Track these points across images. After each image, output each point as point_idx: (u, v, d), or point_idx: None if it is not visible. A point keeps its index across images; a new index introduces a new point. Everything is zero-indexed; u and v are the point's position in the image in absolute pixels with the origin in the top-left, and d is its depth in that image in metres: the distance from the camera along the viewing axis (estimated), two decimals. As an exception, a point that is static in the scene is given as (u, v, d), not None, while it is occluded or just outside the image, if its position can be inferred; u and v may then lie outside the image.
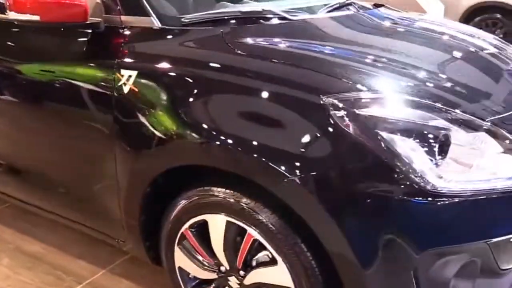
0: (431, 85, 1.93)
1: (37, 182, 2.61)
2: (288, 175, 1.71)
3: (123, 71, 2.09)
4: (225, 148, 1.82)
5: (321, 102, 1.72)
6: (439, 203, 1.65)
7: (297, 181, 1.70)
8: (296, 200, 1.74)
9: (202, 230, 2.11)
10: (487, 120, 1.82)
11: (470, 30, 2.92)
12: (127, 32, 2.18)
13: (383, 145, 1.66)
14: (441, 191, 1.65)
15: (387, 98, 1.78)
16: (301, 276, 1.86)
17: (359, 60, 2.02)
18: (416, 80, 1.94)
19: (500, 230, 1.75)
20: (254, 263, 2.01)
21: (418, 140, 1.68)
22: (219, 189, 1.96)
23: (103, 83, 2.14)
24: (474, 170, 1.72)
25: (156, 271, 2.75)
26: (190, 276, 2.25)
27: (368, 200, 1.65)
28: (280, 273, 1.90)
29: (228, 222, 1.97)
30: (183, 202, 2.08)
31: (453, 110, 1.79)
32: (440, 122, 1.73)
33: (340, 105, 1.71)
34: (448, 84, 1.97)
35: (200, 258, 2.14)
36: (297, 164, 1.71)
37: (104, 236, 2.54)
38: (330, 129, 1.70)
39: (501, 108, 1.97)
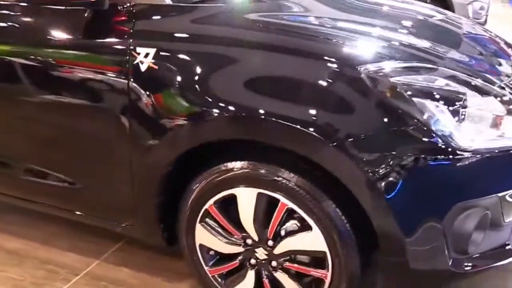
0: (447, 56, 2.11)
1: (36, 172, 2.48)
2: (328, 141, 1.79)
3: (139, 49, 2.06)
4: (263, 120, 1.87)
5: (358, 72, 1.83)
6: (465, 161, 1.82)
7: (337, 146, 1.79)
8: (337, 165, 1.83)
9: (226, 205, 2.14)
10: (495, 85, 2.02)
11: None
12: (135, 10, 2.14)
13: (416, 109, 1.79)
14: (467, 150, 1.82)
15: (416, 67, 1.92)
16: (336, 240, 1.95)
17: (383, 34, 2.18)
18: (434, 52, 2.12)
19: (509, 185, 1.96)
20: (284, 232, 2.08)
21: (444, 104, 1.84)
22: (249, 163, 2.00)
23: (114, 63, 2.09)
24: (489, 131, 1.91)
25: (152, 257, 2.75)
26: (211, 253, 2.26)
27: (405, 162, 1.78)
28: (314, 239, 1.98)
29: (259, 194, 2.02)
30: (208, 179, 2.10)
31: (470, 77, 1.97)
32: (461, 88, 1.90)
33: (376, 74, 1.83)
34: (456, 55, 2.17)
35: (224, 233, 2.17)
36: (337, 129, 1.80)
37: (107, 223, 2.48)
38: (368, 97, 1.82)
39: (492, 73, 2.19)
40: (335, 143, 1.79)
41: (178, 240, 2.34)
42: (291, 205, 1.97)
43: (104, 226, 2.54)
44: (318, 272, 2.05)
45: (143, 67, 2.05)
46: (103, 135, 2.20)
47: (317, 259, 2.08)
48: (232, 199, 2.09)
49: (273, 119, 1.84)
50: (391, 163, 1.79)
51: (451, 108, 1.85)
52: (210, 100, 1.95)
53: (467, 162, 1.82)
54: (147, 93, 2.06)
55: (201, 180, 2.12)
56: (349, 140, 1.79)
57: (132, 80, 2.06)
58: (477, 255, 1.97)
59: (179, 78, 2.02)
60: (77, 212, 2.50)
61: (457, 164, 1.82)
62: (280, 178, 1.95)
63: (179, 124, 2.01)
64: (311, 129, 1.80)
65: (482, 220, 1.93)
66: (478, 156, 1.85)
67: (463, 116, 1.87)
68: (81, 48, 2.17)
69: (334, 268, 2.01)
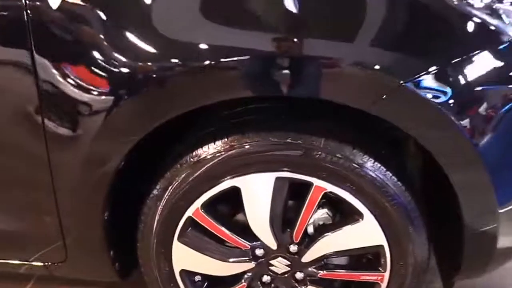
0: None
1: None
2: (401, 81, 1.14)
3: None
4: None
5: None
6: None
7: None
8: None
9: (218, 208, 1.41)
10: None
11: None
12: None
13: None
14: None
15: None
16: (398, 225, 1.33)
17: None
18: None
19: None
20: (315, 230, 1.41)
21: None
22: (266, 134, 1.28)
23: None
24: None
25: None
26: (197, 279, 1.51)
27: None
28: (366, 230, 1.35)
29: (278, 181, 1.31)
30: (185, 173, 1.33)
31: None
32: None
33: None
34: None
35: (221, 248, 1.44)
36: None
37: (20, 266, 1.59)
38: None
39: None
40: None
41: (137, 270, 1.55)
42: (332, 188, 1.29)
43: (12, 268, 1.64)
44: (371, 275, 1.42)
45: (54, 3, 1.19)
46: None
47: (364, 260, 1.46)
48: (226, 196, 1.36)
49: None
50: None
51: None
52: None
53: None
54: (60, 41, 1.21)
55: (172, 178, 1.35)
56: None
57: (35, 26, 1.20)
58: None
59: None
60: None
61: None
62: (316, 151, 1.26)
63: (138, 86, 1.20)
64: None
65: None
66: None
67: None
68: None
69: (394, 265, 1.38)
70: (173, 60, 1.19)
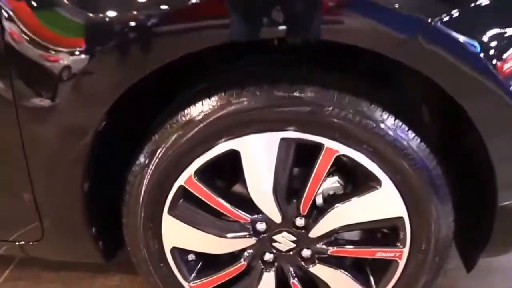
0: None
1: None
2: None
3: None
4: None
5: None
6: None
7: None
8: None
9: (214, 176, 1.24)
10: None
11: None
12: None
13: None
14: None
15: None
16: (421, 194, 1.16)
17: None
18: None
19: None
20: (324, 201, 1.23)
21: None
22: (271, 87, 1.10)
23: None
24: None
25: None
26: (191, 258, 1.34)
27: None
28: (384, 200, 1.18)
29: (283, 142, 1.13)
30: (176, 135, 1.16)
31: None
32: None
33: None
34: None
35: (218, 221, 1.26)
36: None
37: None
38: None
39: None
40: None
41: (123, 251, 1.38)
42: (345, 150, 1.12)
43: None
44: (388, 251, 1.24)
45: None
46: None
47: (379, 235, 1.29)
48: (223, 162, 1.18)
49: None
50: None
51: None
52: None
53: None
54: None
55: (161, 141, 1.17)
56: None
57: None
58: None
59: None
60: None
61: None
62: (328, 106, 1.08)
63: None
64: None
65: None
66: None
67: None
68: None
69: (414, 240, 1.22)
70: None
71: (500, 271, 1.72)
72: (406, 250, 1.24)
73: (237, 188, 1.28)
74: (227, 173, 1.25)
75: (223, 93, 1.12)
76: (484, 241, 1.27)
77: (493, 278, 1.69)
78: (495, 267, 1.73)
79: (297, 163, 1.20)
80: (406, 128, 1.12)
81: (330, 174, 1.24)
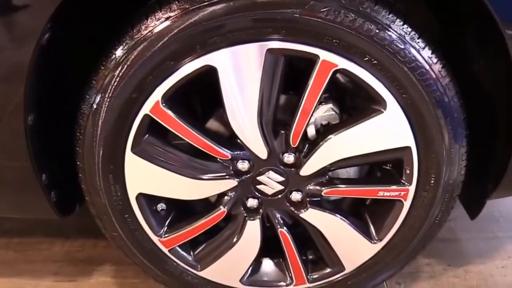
0: None
1: None
2: None
3: None
4: None
5: None
6: None
7: None
8: None
9: (186, 103, 1.04)
10: None
11: None
12: None
13: None
14: None
15: None
16: (433, 121, 0.98)
17: None
18: None
19: None
20: (317, 131, 1.05)
21: None
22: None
23: None
24: None
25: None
26: (161, 208, 1.14)
27: None
28: (388, 127, 1.00)
29: (270, 55, 0.93)
30: (140, 46, 0.94)
31: None
32: None
33: None
34: None
35: (192, 159, 1.06)
36: None
37: None
38: None
39: None
40: None
41: (80, 203, 1.18)
42: (345, 63, 0.92)
43: None
44: (392, 190, 1.07)
45: None
46: None
47: (379, 172, 1.12)
48: (197, 86, 0.98)
49: None
50: None
51: None
52: None
53: None
54: None
55: (120, 59, 0.96)
56: None
57: None
58: None
59: None
60: None
61: None
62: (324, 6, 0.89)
63: None
64: None
65: None
66: None
67: None
68: None
69: (423, 175, 1.04)
70: None
71: (502, 220, 1.58)
72: (412, 188, 1.07)
73: (215, 121, 1.08)
74: (202, 99, 1.05)
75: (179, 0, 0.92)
76: (496, 179, 1.10)
77: (493, 227, 1.55)
78: (496, 217, 1.59)
79: (286, 87, 1.01)
80: (416, 35, 0.94)
81: (322, 102, 1.05)
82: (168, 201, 1.13)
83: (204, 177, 1.07)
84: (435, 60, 0.96)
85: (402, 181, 1.07)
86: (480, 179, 1.17)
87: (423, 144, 1.01)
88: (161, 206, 1.14)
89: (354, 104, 1.06)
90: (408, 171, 1.05)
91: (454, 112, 0.99)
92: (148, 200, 1.11)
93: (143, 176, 1.07)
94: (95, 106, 1.00)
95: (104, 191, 1.09)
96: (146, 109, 0.99)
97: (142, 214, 1.11)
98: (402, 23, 0.92)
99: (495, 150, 1.12)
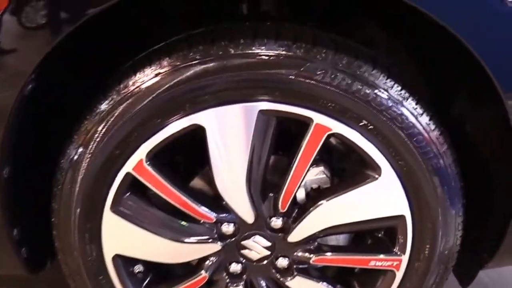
0: None
1: None
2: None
3: None
4: None
5: None
6: None
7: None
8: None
9: (171, 162, 0.99)
10: None
11: None
12: None
13: None
14: None
15: None
16: (429, 188, 0.94)
17: None
18: None
19: None
20: (306, 197, 1.00)
21: None
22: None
23: None
24: None
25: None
26: (138, 270, 1.07)
27: None
28: (382, 194, 0.95)
29: (262, 116, 0.89)
30: (126, 102, 0.90)
31: None
32: None
33: None
34: None
35: (173, 221, 1.00)
36: None
37: None
38: None
39: None
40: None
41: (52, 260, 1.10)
42: (340, 127, 0.89)
43: None
44: (384, 260, 1.01)
45: None
46: None
47: (370, 240, 1.07)
48: (183, 146, 0.94)
49: None
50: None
51: None
52: None
53: None
54: None
55: (104, 115, 0.90)
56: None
57: None
58: None
59: None
60: None
61: None
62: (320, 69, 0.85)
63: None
64: None
65: None
66: None
67: None
68: None
69: (417, 245, 0.99)
70: None
71: (491, 286, 1.53)
72: (405, 258, 1.02)
73: (199, 181, 1.03)
74: (188, 158, 1.00)
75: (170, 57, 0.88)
76: (492, 249, 1.06)
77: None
78: (485, 283, 1.54)
79: (277, 148, 0.97)
80: (414, 101, 0.91)
81: (313, 164, 1.01)
82: (146, 263, 1.06)
83: (187, 240, 1.00)
84: (432, 126, 0.93)
85: (395, 250, 1.02)
86: (474, 248, 1.13)
87: (418, 213, 0.97)
88: (138, 268, 1.07)
89: (345, 166, 1.02)
90: (401, 240, 1.00)
91: (452, 181, 0.96)
92: (125, 262, 1.04)
93: (121, 237, 1.00)
94: (75, 161, 0.94)
95: (79, 250, 1.02)
96: (128, 167, 0.93)
97: (117, 276, 1.04)
98: (400, 88, 0.90)
99: (491, 219, 1.08)
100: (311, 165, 0.99)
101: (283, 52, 0.86)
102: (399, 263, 1.02)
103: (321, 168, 1.02)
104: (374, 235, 1.07)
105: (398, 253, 1.01)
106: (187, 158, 1.04)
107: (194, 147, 0.95)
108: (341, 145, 0.98)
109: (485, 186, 1.06)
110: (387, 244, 1.03)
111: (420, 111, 0.91)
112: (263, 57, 0.86)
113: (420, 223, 0.98)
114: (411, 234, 0.99)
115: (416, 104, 0.91)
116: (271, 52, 0.86)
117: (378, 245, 1.06)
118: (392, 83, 0.89)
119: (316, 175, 1.01)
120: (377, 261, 1.02)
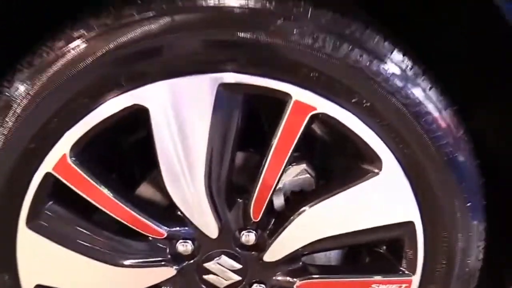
0: None
1: None
2: None
3: None
4: None
5: None
6: None
7: None
8: None
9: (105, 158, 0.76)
10: None
11: None
12: None
13: None
14: None
15: None
16: (441, 181, 0.72)
17: None
18: None
19: None
20: (286, 203, 0.78)
21: None
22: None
23: None
24: None
25: None
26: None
27: None
28: (383, 195, 0.73)
29: (223, 92, 0.67)
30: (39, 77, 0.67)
31: None
32: None
33: None
34: None
35: (111, 237, 0.76)
36: None
37: None
38: None
39: None
40: None
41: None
42: (327, 106, 0.67)
43: None
44: (390, 282, 0.79)
45: None
46: None
47: (367, 258, 0.86)
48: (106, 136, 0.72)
49: None
50: None
51: None
52: None
53: None
54: None
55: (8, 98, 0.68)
56: None
57: None
58: None
59: None
60: None
61: None
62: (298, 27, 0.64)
63: None
64: None
65: None
66: None
67: None
68: None
69: (429, 261, 0.77)
70: None
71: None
72: (416, 279, 0.80)
73: (147, 186, 0.80)
74: (129, 154, 0.77)
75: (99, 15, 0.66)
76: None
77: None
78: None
79: (246, 143, 0.74)
80: (421, 72, 0.70)
81: (292, 162, 0.79)
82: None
83: (129, 263, 0.76)
84: (444, 103, 0.71)
85: (402, 269, 0.79)
86: (495, 263, 0.91)
87: (430, 218, 0.75)
88: (71, 303, 0.82)
89: (334, 162, 0.80)
90: (410, 256, 0.78)
91: (471, 175, 0.74)
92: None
93: (43, 262, 0.77)
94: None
95: (-13, 283, 0.77)
96: (48, 165, 0.70)
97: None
98: (402, 54, 0.68)
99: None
100: (291, 163, 0.78)
101: (250, 5, 0.64)
102: (408, 286, 0.79)
103: (303, 166, 0.80)
104: (375, 251, 0.85)
105: (407, 272, 0.79)
106: (131, 154, 0.81)
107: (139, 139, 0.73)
108: (329, 133, 0.76)
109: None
110: (391, 261, 0.82)
111: (428, 84, 0.70)
112: (223, 11, 0.64)
113: (433, 232, 0.76)
114: (422, 247, 0.77)
115: (423, 74, 0.69)
116: (233, 4, 0.64)
117: (380, 264, 0.84)
118: (393, 47, 0.68)
119: (297, 174, 0.79)
120: (381, 284, 0.79)
